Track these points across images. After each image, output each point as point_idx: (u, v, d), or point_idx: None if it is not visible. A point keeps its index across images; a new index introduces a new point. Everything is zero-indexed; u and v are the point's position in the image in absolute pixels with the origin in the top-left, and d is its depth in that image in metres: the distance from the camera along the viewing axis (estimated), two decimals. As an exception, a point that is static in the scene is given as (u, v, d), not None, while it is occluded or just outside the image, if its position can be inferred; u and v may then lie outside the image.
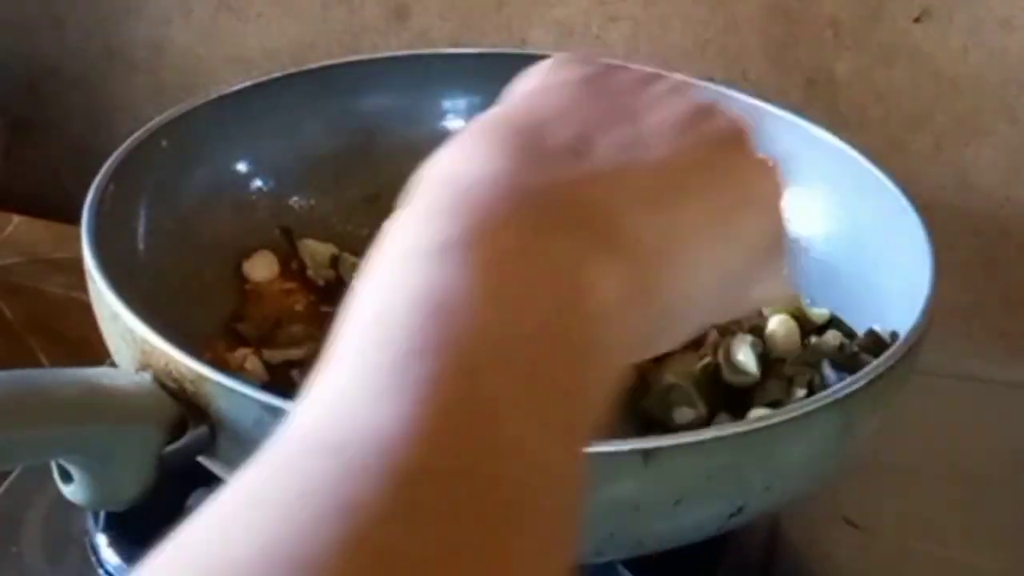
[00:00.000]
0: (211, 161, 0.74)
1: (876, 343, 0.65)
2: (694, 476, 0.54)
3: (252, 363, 0.69)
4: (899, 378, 0.59)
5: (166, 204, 0.71)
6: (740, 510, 0.57)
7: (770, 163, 0.44)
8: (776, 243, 0.45)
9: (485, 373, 0.31)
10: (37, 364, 0.81)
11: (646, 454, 0.52)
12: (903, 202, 0.68)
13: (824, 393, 0.57)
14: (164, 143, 0.70)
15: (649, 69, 0.46)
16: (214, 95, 0.74)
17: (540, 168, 0.38)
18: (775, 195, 0.44)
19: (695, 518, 0.57)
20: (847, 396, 0.56)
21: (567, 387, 0.34)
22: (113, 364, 0.61)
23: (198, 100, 0.73)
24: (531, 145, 0.39)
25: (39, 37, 1.03)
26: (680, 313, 0.41)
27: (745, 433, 0.54)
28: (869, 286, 0.69)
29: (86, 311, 0.61)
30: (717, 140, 0.43)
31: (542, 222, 0.36)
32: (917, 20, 0.86)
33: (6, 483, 0.68)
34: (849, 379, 0.57)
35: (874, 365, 0.58)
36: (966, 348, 0.85)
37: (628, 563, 0.61)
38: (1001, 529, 0.72)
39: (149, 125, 0.70)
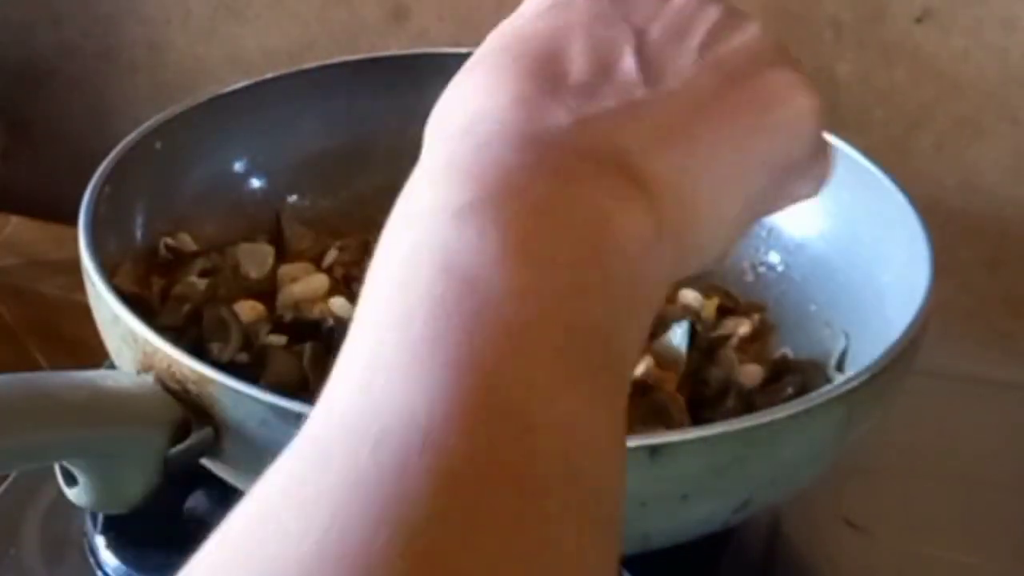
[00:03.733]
0: (207, 162, 0.74)
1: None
2: (700, 471, 0.55)
3: None
4: (900, 373, 0.59)
5: (163, 205, 0.71)
6: (745, 504, 0.57)
7: (802, 78, 0.42)
8: (810, 160, 0.43)
9: (516, 347, 0.31)
10: (35, 365, 0.81)
11: (653, 450, 0.53)
12: (904, 202, 0.68)
13: (827, 388, 0.58)
14: (158, 145, 0.70)
15: None
16: (207, 96, 0.74)
17: (559, 109, 0.37)
18: (807, 112, 0.42)
19: (701, 513, 0.57)
20: (850, 391, 0.57)
21: (605, 344, 0.33)
22: (112, 365, 0.60)
23: (192, 101, 0.73)
24: (549, 79, 0.38)
25: (38, 37, 1.03)
26: (709, 238, 0.40)
27: (751, 428, 0.55)
28: (869, 286, 0.69)
29: (84, 312, 0.61)
30: (743, 59, 0.41)
31: (562, 173, 0.35)
32: (919, 20, 0.86)
33: (4, 484, 0.68)
34: (852, 374, 0.58)
35: (876, 360, 0.58)
36: (967, 349, 0.85)
37: (628, 563, 0.61)
38: (1001, 529, 0.72)
39: (143, 127, 0.70)
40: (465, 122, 0.37)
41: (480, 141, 0.35)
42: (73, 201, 0.64)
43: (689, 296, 0.73)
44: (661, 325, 0.69)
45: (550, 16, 0.41)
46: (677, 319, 0.70)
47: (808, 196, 0.46)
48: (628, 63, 0.39)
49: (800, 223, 0.74)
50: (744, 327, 0.71)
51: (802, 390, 0.66)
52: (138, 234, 0.70)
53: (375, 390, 0.30)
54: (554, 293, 0.32)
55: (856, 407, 0.57)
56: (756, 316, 0.73)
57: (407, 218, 0.34)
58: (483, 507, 0.28)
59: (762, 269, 0.76)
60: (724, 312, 0.73)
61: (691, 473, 0.55)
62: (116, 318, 0.57)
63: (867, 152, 0.72)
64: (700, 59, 0.40)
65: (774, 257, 0.75)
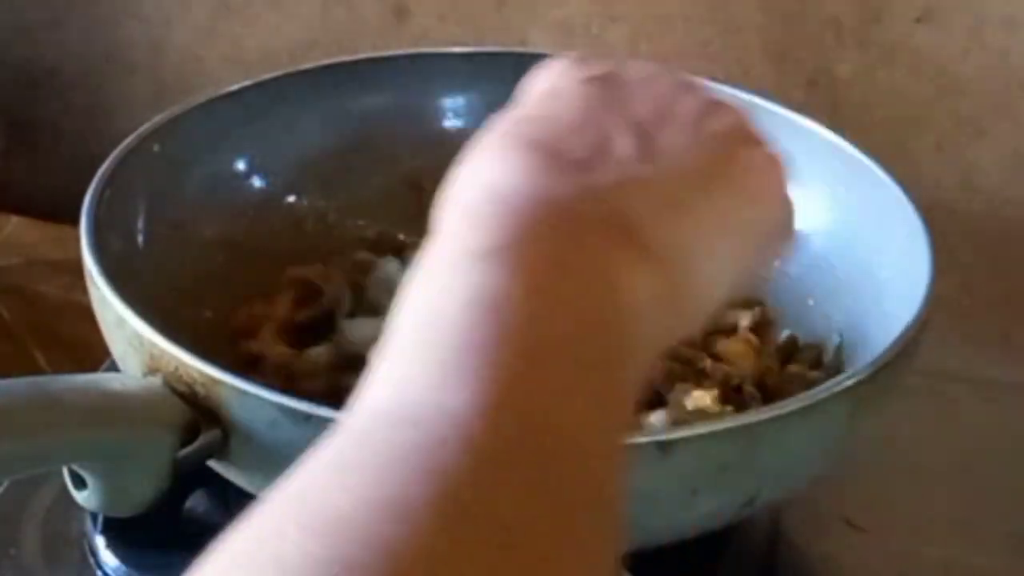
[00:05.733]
0: (207, 162, 0.74)
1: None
2: (710, 466, 0.55)
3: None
4: (904, 367, 0.60)
5: (164, 206, 0.71)
6: (753, 499, 0.58)
7: (774, 154, 0.47)
8: (783, 228, 0.48)
9: (535, 362, 0.35)
10: (35, 366, 0.81)
11: (663, 446, 0.53)
12: (904, 202, 0.68)
13: (833, 382, 0.58)
14: (156, 147, 0.70)
15: (651, 64, 0.48)
16: (207, 97, 0.74)
17: (565, 178, 0.40)
18: (781, 185, 0.47)
19: (710, 508, 0.58)
20: (855, 385, 0.57)
21: (608, 378, 0.37)
22: (113, 365, 0.60)
23: (192, 101, 0.73)
24: (553, 155, 0.41)
25: (38, 38, 1.03)
26: (703, 303, 0.44)
27: (760, 423, 0.55)
28: (868, 281, 0.70)
29: (84, 312, 0.61)
30: (725, 138, 0.45)
31: (576, 229, 0.39)
32: (918, 20, 0.86)
33: (4, 484, 0.68)
34: (857, 368, 0.58)
35: (881, 354, 0.59)
36: (967, 349, 0.85)
37: (628, 563, 0.61)
38: (1001, 529, 0.72)
39: (141, 129, 0.70)
40: (480, 191, 0.40)
41: (497, 202, 0.39)
42: (73, 201, 0.64)
43: None
44: None
45: (545, 106, 0.44)
46: None
47: (777, 258, 0.51)
48: (623, 142, 0.43)
49: (799, 219, 0.74)
50: (745, 319, 0.72)
51: (816, 364, 0.68)
52: (140, 236, 0.70)
53: (410, 391, 0.33)
54: (566, 330, 0.36)
55: (862, 401, 0.58)
56: (756, 309, 0.73)
57: (435, 262, 0.38)
58: (508, 475, 0.32)
59: (759, 265, 0.76)
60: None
61: (701, 468, 0.55)
62: (121, 321, 0.57)
63: (867, 152, 0.72)
64: (688, 138, 0.44)
65: (771, 252, 0.76)
